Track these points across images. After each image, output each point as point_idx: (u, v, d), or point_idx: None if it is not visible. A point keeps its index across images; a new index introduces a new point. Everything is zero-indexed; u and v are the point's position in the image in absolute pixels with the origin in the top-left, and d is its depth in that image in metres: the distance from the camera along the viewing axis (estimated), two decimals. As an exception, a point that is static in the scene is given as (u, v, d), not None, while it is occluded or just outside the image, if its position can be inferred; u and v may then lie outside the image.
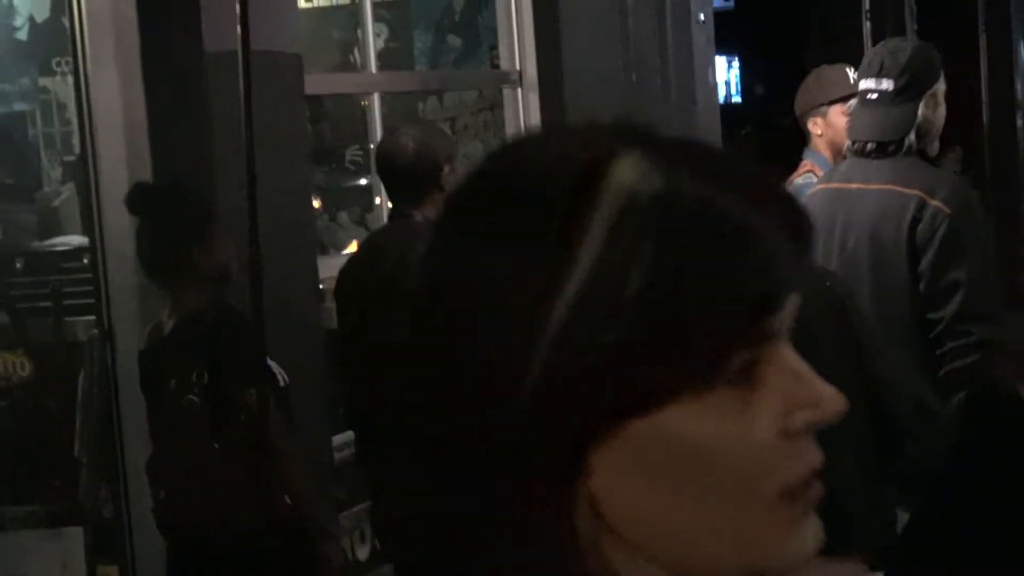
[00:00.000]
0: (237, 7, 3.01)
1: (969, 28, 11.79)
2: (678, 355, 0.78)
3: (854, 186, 3.78)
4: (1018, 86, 12.67)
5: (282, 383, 3.59)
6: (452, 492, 0.83)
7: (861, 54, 10.74)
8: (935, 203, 3.59)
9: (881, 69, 3.73)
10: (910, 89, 3.70)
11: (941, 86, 3.82)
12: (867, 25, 9.09)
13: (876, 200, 3.70)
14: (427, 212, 3.74)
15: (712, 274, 0.78)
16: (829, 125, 4.86)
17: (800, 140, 9.18)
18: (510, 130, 5.88)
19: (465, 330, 0.81)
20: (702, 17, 5.98)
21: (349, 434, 4.60)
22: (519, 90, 5.89)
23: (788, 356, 0.82)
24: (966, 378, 3.51)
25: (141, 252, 3.68)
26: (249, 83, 3.09)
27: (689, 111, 5.85)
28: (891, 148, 3.68)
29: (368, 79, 5.06)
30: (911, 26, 9.59)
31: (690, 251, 0.78)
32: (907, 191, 3.65)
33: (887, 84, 3.70)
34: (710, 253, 0.79)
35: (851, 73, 4.84)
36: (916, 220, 3.60)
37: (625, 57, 5.82)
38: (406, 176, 3.75)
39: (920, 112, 3.70)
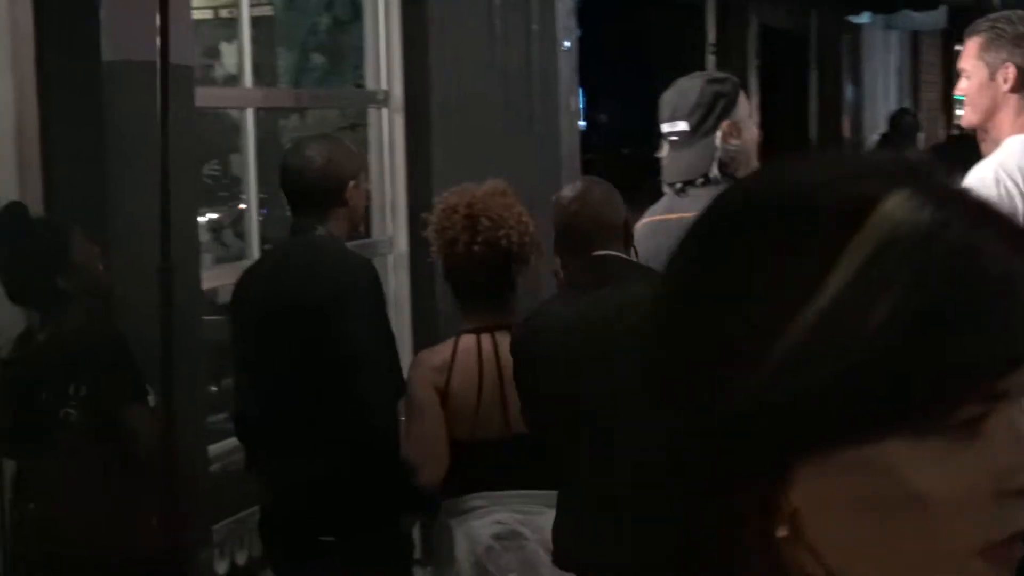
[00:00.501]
0: (157, 19, 3.04)
1: (802, 67, 12.28)
2: (908, 396, 0.77)
3: (672, 216, 3.99)
4: (844, 123, 13.25)
5: (152, 402, 3.62)
6: (658, 506, 0.85)
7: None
8: None
9: (674, 111, 3.92)
10: (703, 125, 3.87)
11: (741, 112, 3.99)
12: (711, 59, 9.40)
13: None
14: (331, 227, 3.81)
15: (965, 322, 0.77)
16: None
17: (640, 171, 9.46)
18: (374, 150, 5.95)
19: (710, 336, 0.83)
20: (567, 44, 6.15)
21: (225, 444, 4.63)
22: (384, 110, 5.97)
23: (1017, 415, 0.80)
24: None
25: (2, 278, 3.66)
26: (167, 95, 3.13)
27: (553, 137, 6.01)
28: (698, 183, 3.88)
29: (249, 94, 5.09)
30: (753, 62, 9.94)
31: (946, 294, 0.78)
32: None
33: (682, 125, 3.89)
34: (967, 300, 0.78)
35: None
36: None
37: (492, 81, 5.95)
38: (312, 191, 3.80)
39: (718, 144, 3.89)
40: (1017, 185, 3.59)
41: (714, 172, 3.87)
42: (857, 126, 13.81)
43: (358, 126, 6.37)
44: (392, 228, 5.94)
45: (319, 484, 3.68)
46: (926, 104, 17.53)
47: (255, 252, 5.17)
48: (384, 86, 5.94)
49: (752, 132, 3.98)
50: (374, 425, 3.66)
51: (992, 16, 3.84)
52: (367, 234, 5.91)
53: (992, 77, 3.76)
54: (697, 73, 4.26)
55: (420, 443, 3.55)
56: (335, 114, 6.51)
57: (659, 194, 4.70)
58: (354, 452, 3.66)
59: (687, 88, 3.96)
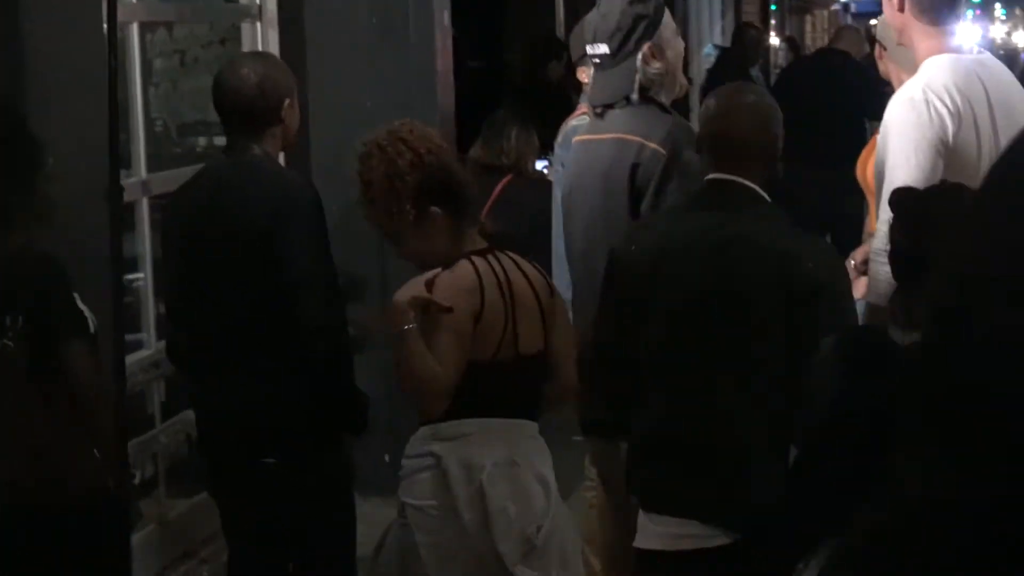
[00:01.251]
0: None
1: None
2: None
3: (594, 137, 4.10)
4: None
5: (92, 328, 3.50)
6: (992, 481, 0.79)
7: (552, 10, 11.03)
8: (652, 146, 3.89)
9: (595, 34, 4.00)
10: (623, 48, 3.95)
11: (666, 33, 4.09)
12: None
13: (607, 149, 4.02)
14: (266, 147, 3.79)
15: None
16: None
17: (487, 85, 9.51)
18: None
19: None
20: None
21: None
22: (259, 24, 5.92)
23: None
24: None
25: None
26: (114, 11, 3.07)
27: (428, 49, 6.02)
28: (617, 106, 3.99)
29: (133, 9, 4.99)
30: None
31: None
32: (629, 138, 3.96)
33: (603, 48, 3.98)
34: None
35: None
36: (636, 165, 3.91)
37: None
38: (247, 110, 3.76)
39: (639, 67, 3.98)
40: (946, 104, 3.69)
41: (634, 95, 3.95)
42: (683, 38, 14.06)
43: (228, 40, 6.30)
44: (269, 144, 5.90)
45: (259, 406, 3.70)
46: (747, 16, 17.92)
47: (142, 171, 5.11)
48: (258, 1, 5.89)
49: (677, 50, 4.06)
50: (316, 347, 3.66)
51: None
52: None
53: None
54: None
55: (447, 360, 3.42)
56: (204, 29, 6.41)
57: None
58: (294, 375, 3.66)
59: (608, 10, 4.01)
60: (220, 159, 3.99)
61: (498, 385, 3.46)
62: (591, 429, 3.70)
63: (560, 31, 9.97)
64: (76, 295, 3.39)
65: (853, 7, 44.69)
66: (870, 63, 11.03)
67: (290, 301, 3.63)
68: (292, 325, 3.64)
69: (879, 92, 10.96)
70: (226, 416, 3.79)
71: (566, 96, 8.91)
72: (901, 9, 3.85)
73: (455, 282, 3.46)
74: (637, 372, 3.31)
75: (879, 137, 3.90)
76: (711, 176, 3.37)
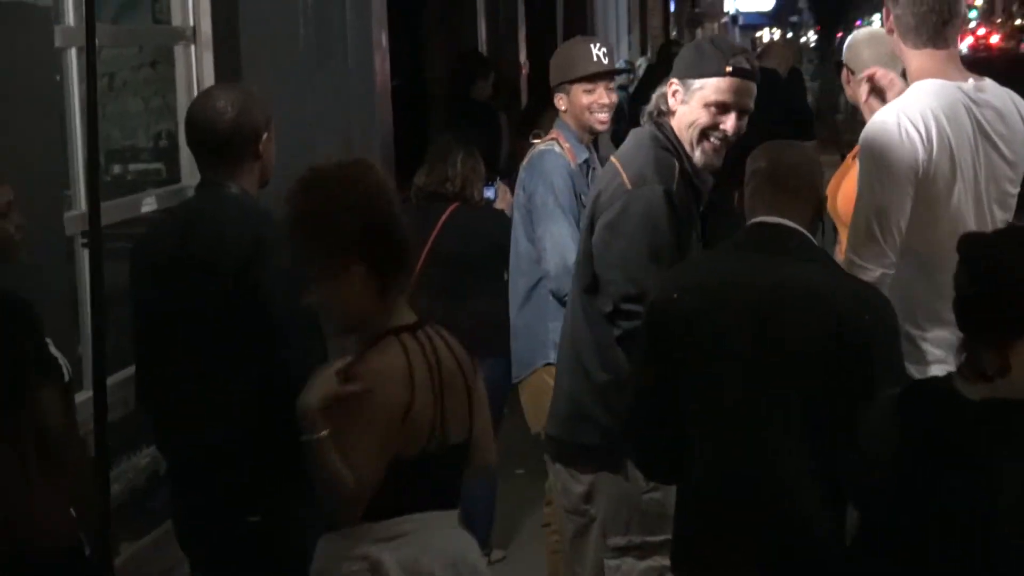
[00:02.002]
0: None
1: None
2: None
3: None
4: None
5: (67, 376, 3.32)
6: None
7: (475, 27, 10.96)
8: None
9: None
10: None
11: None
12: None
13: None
14: (244, 183, 3.63)
15: None
16: (571, 103, 5.10)
17: (408, 105, 9.40)
18: (181, 88, 5.73)
19: None
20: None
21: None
22: (192, 47, 5.75)
23: None
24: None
25: None
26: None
27: (366, 71, 5.92)
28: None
29: (72, 32, 4.80)
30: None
31: None
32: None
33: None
34: None
35: (595, 50, 5.07)
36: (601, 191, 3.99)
37: (304, 16, 5.81)
38: (222, 144, 3.60)
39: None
40: (919, 130, 3.63)
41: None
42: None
43: (158, 63, 6.12)
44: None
45: (237, 456, 3.53)
46: (651, 30, 18.03)
47: (82, 203, 4.91)
48: (192, 22, 5.72)
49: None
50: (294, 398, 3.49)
51: None
52: (178, 178, 5.70)
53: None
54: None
55: (364, 464, 3.05)
56: (133, 51, 6.21)
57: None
58: (273, 423, 3.44)
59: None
60: (196, 198, 3.81)
61: (427, 478, 3.15)
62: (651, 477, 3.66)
63: (483, 48, 9.90)
64: (48, 340, 3.22)
65: (741, 19, 45.44)
66: (795, 79, 11.12)
67: (271, 350, 3.46)
68: (270, 375, 3.46)
69: (807, 112, 11.10)
70: (201, 466, 3.61)
71: (493, 115, 8.85)
72: (891, 31, 3.82)
73: (383, 371, 3.08)
74: (681, 423, 3.19)
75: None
76: (758, 219, 3.26)
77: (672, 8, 21.85)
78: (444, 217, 5.67)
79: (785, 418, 3.05)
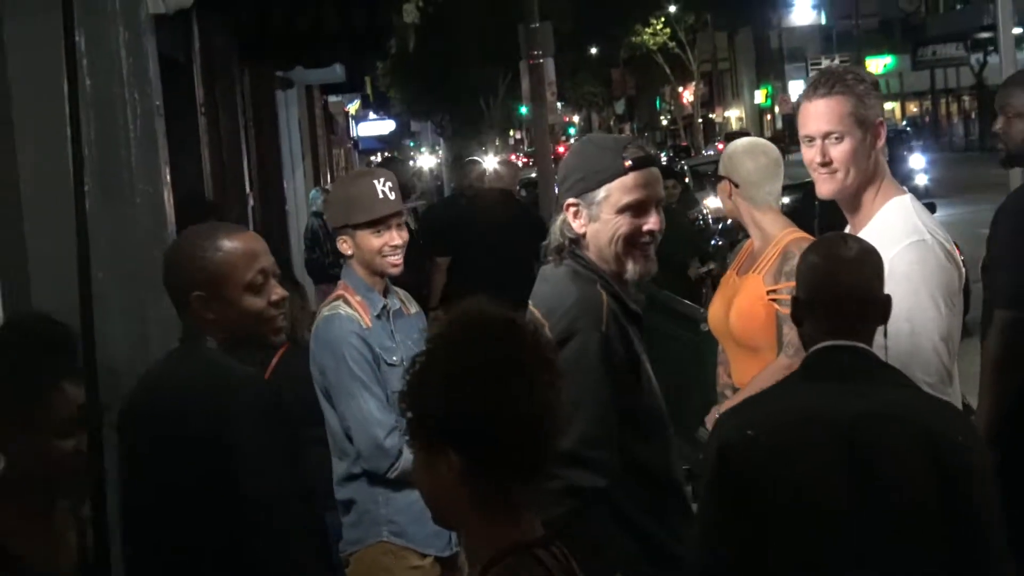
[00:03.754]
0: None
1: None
2: None
3: None
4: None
5: None
6: None
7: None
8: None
9: None
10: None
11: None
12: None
13: None
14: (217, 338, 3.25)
15: None
16: (358, 247, 4.57)
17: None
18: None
19: None
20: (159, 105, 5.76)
21: None
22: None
23: None
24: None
25: None
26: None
27: (156, 200, 5.58)
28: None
29: None
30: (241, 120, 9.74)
31: None
32: None
33: None
34: None
35: (379, 185, 4.53)
36: None
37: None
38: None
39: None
40: (949, 249, 3.53)
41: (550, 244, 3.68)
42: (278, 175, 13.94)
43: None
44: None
45: None
46: (322, 156, 18.01)
47: None
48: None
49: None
50: None
51: (830, 70, 3.67)
52: None
53: (866, 136, 3.62)
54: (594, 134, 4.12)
55: None
56: None
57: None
58: None
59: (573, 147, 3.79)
60: (173, 356, 3.41)
61: None
62: None
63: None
64: None
65: (360, 144, 46.39)
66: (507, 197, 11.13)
67: (243, 527, 3.10)
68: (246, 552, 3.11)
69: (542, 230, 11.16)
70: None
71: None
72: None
73: None
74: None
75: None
76: (826, 344, 2.96)
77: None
78: (274, 362, 5.33)
79: (888, 566, 2.76)
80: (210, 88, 8.96)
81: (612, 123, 77.88)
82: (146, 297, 5.45)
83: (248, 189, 9.86)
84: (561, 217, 3.62)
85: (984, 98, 46.82)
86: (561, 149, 21.37)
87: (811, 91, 3.67)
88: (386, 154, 43.66)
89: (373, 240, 4.53)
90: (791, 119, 47.45)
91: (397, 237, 4.54)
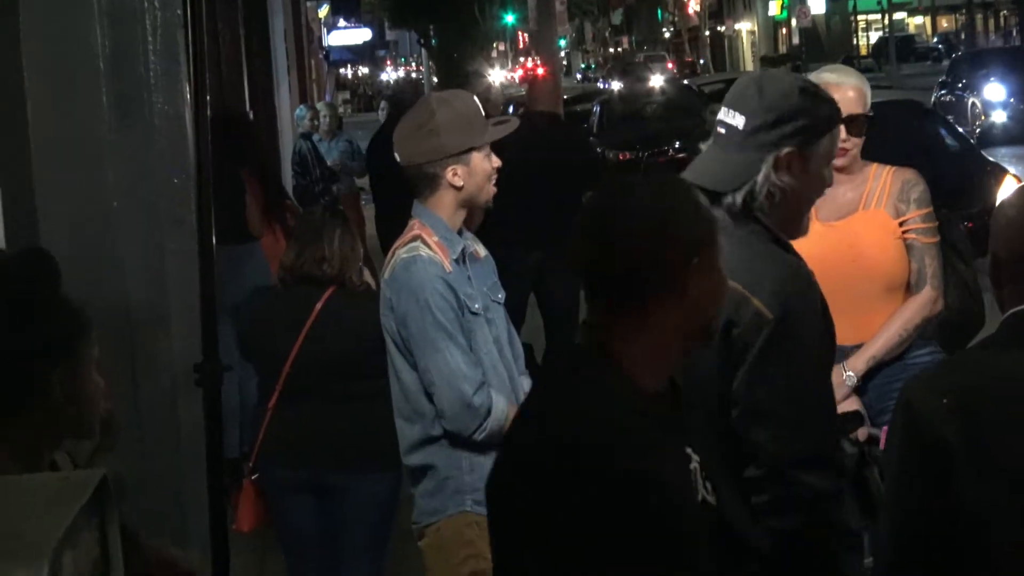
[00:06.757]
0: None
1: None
2: None
3: None
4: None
5: None
6: None
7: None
8: (756, 303, 3.06)
9: (737, 101, 3.25)
10: (759, 135, 3.18)
11: (819, 148, 3.24)
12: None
13: None
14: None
15: None
16: (473, 173, 4.24)
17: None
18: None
19: None
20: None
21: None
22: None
23: None
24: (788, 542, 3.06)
25: None
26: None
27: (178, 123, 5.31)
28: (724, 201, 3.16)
29: None
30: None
31: None
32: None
33: (738, 120, 3.21)
34: None
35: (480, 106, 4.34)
36: (731, 323, 3.04)
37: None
38: None
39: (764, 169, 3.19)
40: None
41: (737, 200, 3.16)
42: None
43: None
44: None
45: None
46: (307, 70, 17.73)
47: None
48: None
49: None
50: None
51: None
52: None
53: None
54: (794, 74, 3.65)
55: None
56: None
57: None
58: None
59: (770, 81, 3.26)
60: None
61: None
62: None
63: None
64: None
65: (331, 56, 46.05)
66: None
67: None
68: None
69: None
70: None
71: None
72: None
73: None
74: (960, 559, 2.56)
75: None
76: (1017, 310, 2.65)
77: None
78: (318, 307, 5.01)
79: None
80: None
81: (608, 35, 77.10)
82: (165, 227, 5.20)
83: (248, 107, 9.53)
84: (769, 167, 3.17)
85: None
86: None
87: None
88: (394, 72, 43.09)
89: (487, 164, 4.25)
90: (810, 34, 46.47)
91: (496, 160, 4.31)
